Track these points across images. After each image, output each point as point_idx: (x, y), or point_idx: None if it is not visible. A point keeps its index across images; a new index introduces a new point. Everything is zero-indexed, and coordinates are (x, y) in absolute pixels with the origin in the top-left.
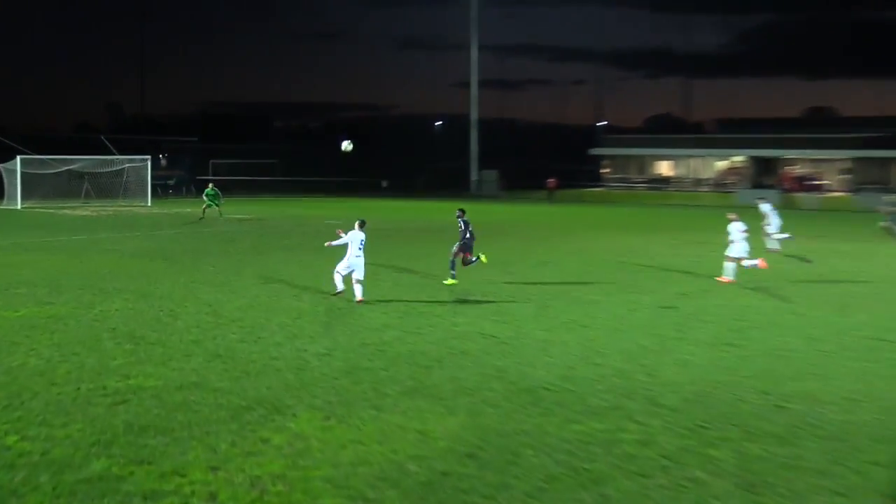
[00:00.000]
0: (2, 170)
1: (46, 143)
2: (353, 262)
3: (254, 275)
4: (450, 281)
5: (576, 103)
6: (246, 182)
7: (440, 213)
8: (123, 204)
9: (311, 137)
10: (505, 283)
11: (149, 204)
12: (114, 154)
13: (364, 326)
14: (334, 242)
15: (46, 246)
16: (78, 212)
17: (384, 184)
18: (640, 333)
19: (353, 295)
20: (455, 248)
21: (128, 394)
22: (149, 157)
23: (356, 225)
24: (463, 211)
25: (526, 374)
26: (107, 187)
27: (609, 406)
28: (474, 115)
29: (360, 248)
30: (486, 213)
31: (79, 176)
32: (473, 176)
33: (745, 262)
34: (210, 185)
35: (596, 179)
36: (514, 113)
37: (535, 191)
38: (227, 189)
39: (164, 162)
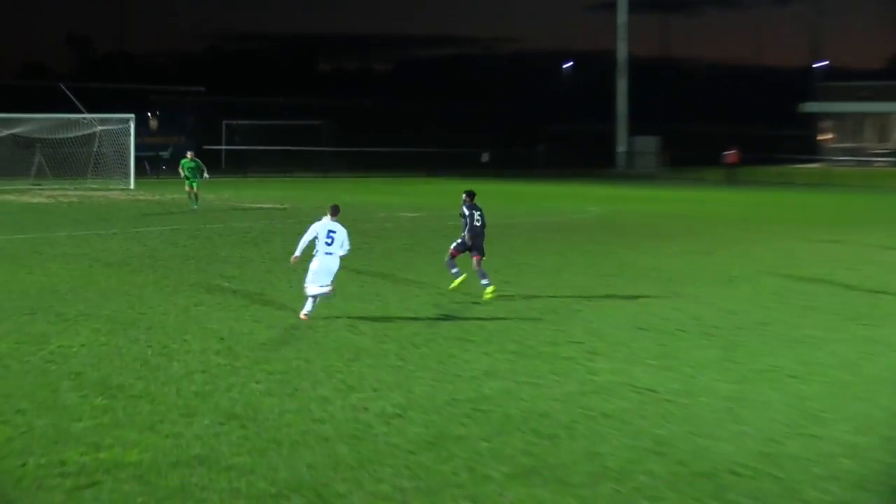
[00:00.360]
0: None
1: None
2: (321, 263)
3: (287, 293)
4: (455, 282)
5: (779, 35)
6: (277, 154)
7: (571, 200)
8: (94, 185)
9: (374, 87)
10: (671, 307)
11: (131, 186)
12: (80, 112)
13: (455, 373)
14: (298, 250)
15: None
16: (25, 197)
17: (485, 157)
18: (882, 389)
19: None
20: (452, 245)
21: (98, 473)
22: (132, 116)
23: (328, 213)
24: (472, 194)
25: (703, 450)
26: (69, 161)
27: (836, 503)
28: (623, 53)
29: (328, 242)
30: (640, 202)
31: (26, 144)
32: (621, 145)
33: None
34: (189, 155)
35: (809, 150)
36: (682, 50)
37: (710, 167)
38: (249, 164)
39: (154, 124)
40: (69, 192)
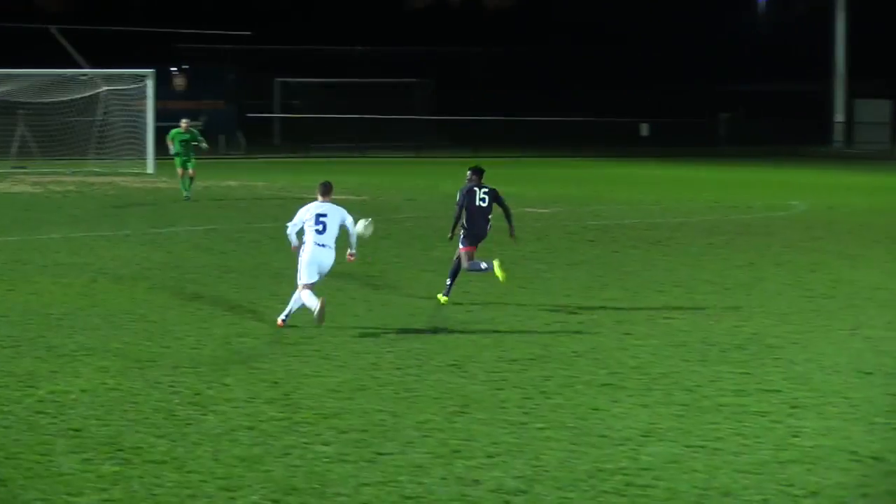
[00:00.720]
0: None
1: None
2: (313, 255)
3: (364, 318)
4: (499, 273)
5: None
6: (351, 124)
7: (766, 190)
8: (98, 169)
9: (487, 30)
10: None
11: (149, 169)
12: (80, 66)
13: (600, 433)
14: (292, 242)
15: None
16: (3, 185)
17: (644, 130)
18: None
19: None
20: (461, 243)
21: None
22: (150, 72)
23: (318, 192)
24: (478, 171)
25: None
26: (63, 135)
27: None
28: None
29: (319, 231)
30: (865, 194)
31: (5, 111)
32: (838, 113)
33: None
34: (183, 124)
35: None
36: None
37: None
38: (313, 138)
39: (181, 82)
40: (64, 178)
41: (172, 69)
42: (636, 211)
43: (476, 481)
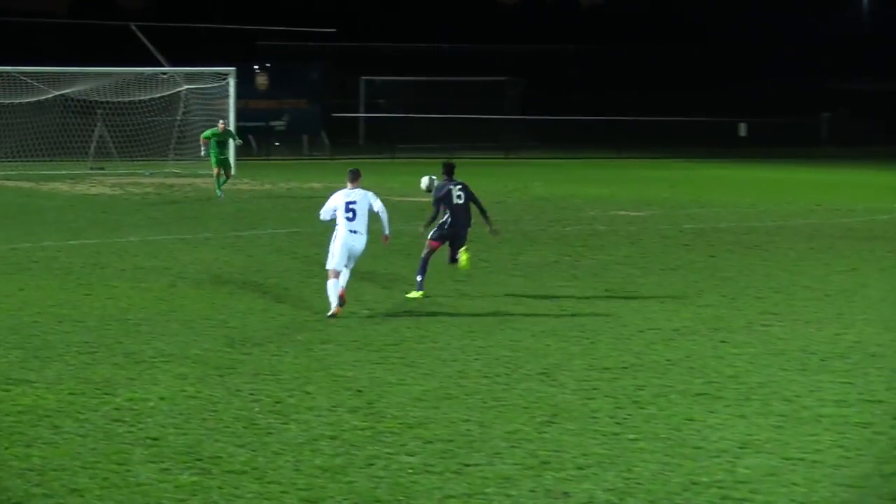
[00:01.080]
0: None
1: (15, 40)
2: (345, 241)
3: (452, 328)
4: (413, 294)
5: None
6: (437, 125)
7: (871, 193)
8: (178, 170)
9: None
10: None
11: (231, 170)
12: (160, 64)
13: (695, 444)
14: (324, 215)
15: (15, 260)
16: (82, 186)
17: (742, 130)
18: None
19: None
20: (430, 234)
21: None
22: (231, 70)
23: (347, 180)
24: (449, 168)
25: None
26: (142, 135)
27: None
28: None
29: (350, 218)
30: None
31: (84, 110)
32: None
33: None
34: (220, 125)
35: None
36: None
37: None
38: (398, 138)
39: (263, 81)
40: (143, 180)
41: (255, 67)
42: (733, 214)
43: (566, 494)
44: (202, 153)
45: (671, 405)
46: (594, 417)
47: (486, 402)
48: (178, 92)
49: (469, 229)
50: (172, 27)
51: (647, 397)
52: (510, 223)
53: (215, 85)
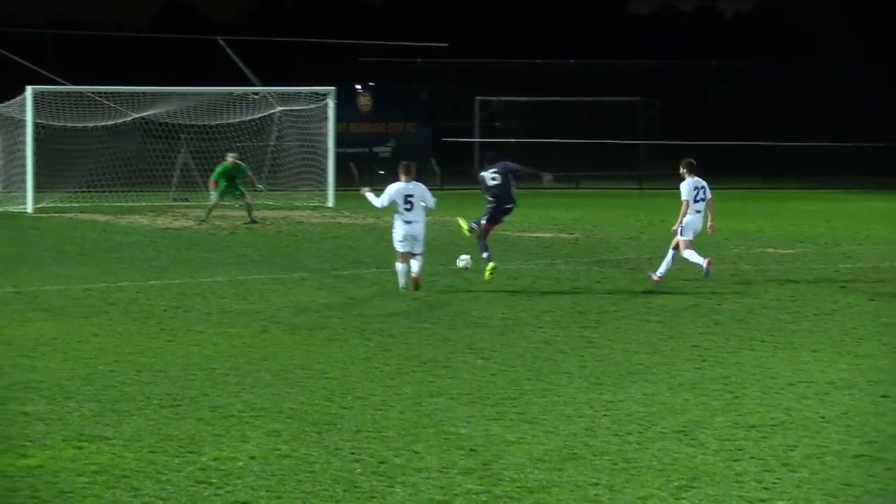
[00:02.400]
0: None
1: (90, 57)
2: (406, 231)
3: (579, 378)
4: (488, 269)
5: None
6: (561, 150)
7: None
8: (270, 201)
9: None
10: None
11: (329, 202)
12: (251, 83)
13: None
14: (369, 197)
15: (89, 303)
16: (164, 219)
17: None
18: None
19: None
20: (483, 219)
21: None
22: (331, 90)
23: (401, 174)
24: (490, 157)
25: None
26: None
27: None
28: None
29: (408, 209)
30: None
31: (166, 134)
32: None
33: None
34: (230, 159)
35: None
36: None
37: None
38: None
39: (366, 101)
40: (231, 213)
41: (357, 87)
42: None
43: None
44: (212, 198)
45: (825, 468)
46: (739, 482)
47: (615, 464)
48: (271, 114)
49: (514, 206)
50: (264, 41)
51: (799, 459)
52: (643, 262)
53: (312, 106)
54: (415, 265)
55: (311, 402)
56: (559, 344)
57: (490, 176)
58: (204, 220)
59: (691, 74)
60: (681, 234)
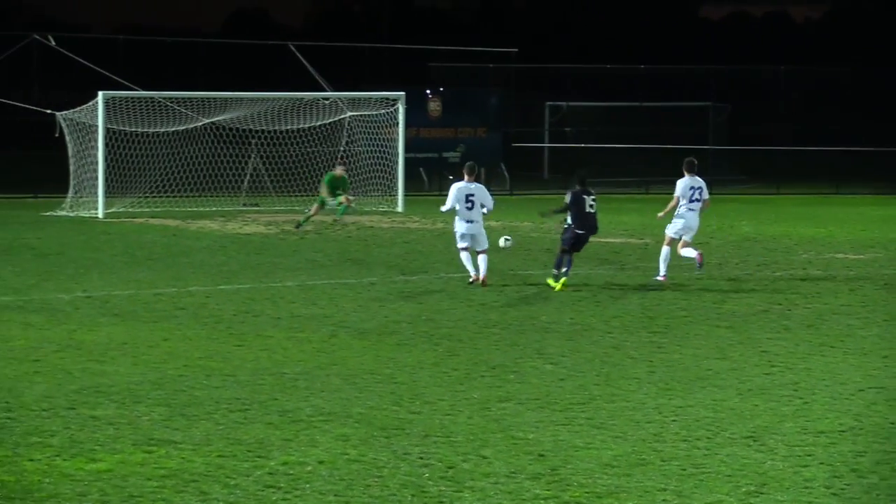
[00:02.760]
0: (62, 124)
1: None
2: (465, 230)
3: (647, 381)
4: (555, 283)
5: None
6: (630, 156)
7: None
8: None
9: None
10: None
11: (398, 207)
12: (322, 88)
13: None
14: (448, 205)
15: (159, 307)
16: (233, 224)
17: None
18: None
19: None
20: (563, 240)
21: None
22: (401, 95)
23: (465, 174)
24: (583, 178)
25: None
26: (301, 167)
27: None
28: None
29: (469, 208)
30: None
31: (236, 139)
32: None
33: None
34: (339, 170)
35: None
36: None
37: None
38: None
39: (435, 106)
40: (300, 217)
41: (427, 92)
42: None
43: None
44: (328, 199)
45: (895, 474)
46: (808, 488)
47: (684, 470)
48: (341, 119)
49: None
50: (334, 47)
51: (868, 465)
52: (714, 267)
53: (382, 111)
54: (481, 264)
55: (380, 407)
56: (628, 349)
57: (590, 202)
58: (301, 224)
59: (762, 79)
60: (672, 232)
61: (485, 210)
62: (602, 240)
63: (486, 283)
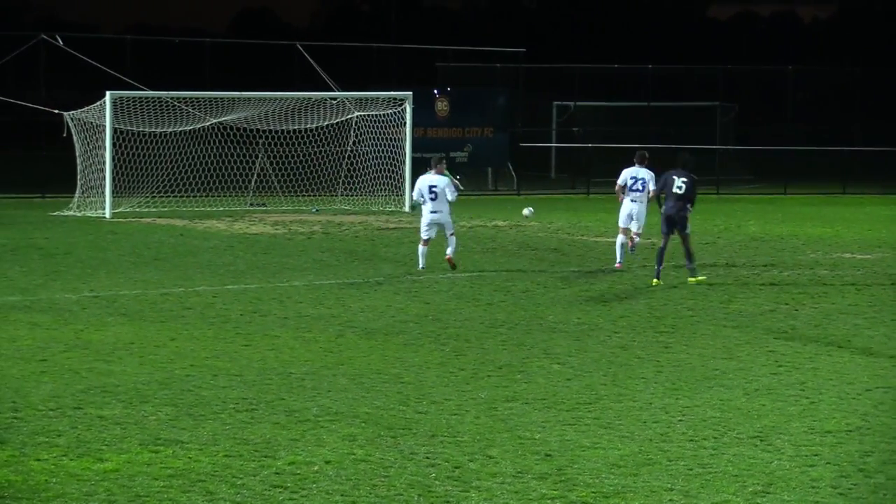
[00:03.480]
0: (70, 124)
1: (168, 63)
2: (431, 220)
3: (654, 381)
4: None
5: None
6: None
7: None
8: (347, 206)
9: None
10: None
11: (406, 207)
12: (329, 87)
13: None
14: (415, 196)
15: (166, 307)
16: (240, 225)
17: None
18: None
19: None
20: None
21: None
22: (408, 94)
23: (432, 166)
24: (684, 159)
25: None
26: (308, 167)
27: None
28: None
29: (433, 199)
30: None
31: (243, 139)
32: None
33: None
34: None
35: None
36: None
37: None
38: (594, 171)
39: (443, 106)
40: (308, 217)
41: (434, 91)
42: None
43: None
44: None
45: None
46: (814, 487)
47: (691, 469)
48: (349, 119)
49: (686, 214)
50: (342, 46)
51: (875, 465)
52: (721, 267)
53: (389, 111)
54: (449, 245)
55: (387, 407)
56: (635, 349)
57: (678, 184)
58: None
59: (769, 79)
60: (619, 222)
61: (450, 197)
62: (610, 239)
63: (453, 262)
